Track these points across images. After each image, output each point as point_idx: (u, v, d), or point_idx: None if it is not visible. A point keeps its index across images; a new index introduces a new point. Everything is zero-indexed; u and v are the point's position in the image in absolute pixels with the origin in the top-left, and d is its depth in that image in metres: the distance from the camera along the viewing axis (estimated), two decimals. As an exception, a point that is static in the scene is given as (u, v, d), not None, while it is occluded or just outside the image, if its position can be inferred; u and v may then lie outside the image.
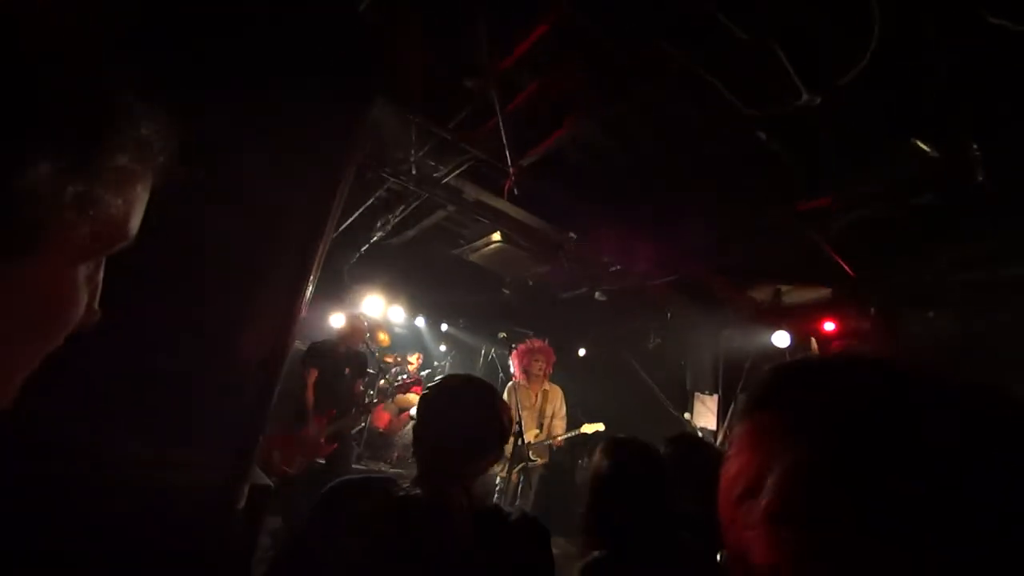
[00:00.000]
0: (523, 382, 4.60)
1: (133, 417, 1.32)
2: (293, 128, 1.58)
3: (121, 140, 0.33)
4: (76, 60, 0.30)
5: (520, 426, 3.83)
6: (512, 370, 4.72)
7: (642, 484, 1.23)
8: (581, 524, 1.26)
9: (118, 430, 1.29)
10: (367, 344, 4.67)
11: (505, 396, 4.50)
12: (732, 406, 5.51)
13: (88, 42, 0.31)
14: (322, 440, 3.66)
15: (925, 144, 2.43)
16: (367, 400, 4.48)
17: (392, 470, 6.02)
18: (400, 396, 5.91)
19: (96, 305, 0.39)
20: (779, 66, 2.11)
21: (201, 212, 1.50)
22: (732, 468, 0.40)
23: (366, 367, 4.38)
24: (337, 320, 4.80)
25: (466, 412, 1.13)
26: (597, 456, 1.29)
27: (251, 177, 1.51)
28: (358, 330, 4.18)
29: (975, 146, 2.40)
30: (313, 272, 1.60)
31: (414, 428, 1.18)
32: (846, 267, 3.54)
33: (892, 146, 2.54)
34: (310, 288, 1.63)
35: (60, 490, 1.16)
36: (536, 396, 4.61)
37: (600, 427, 4.61)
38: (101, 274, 0.39)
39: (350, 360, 4.10)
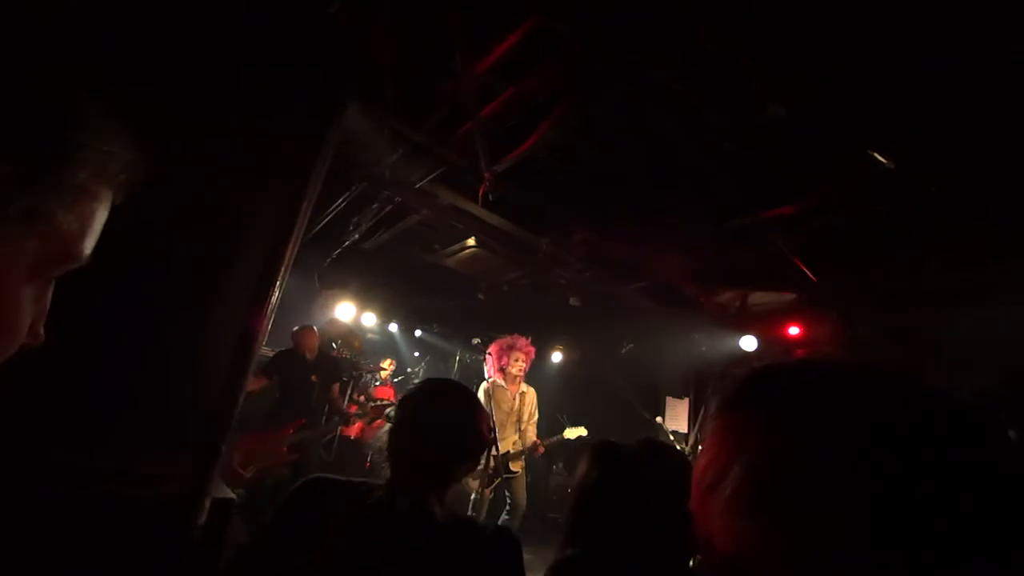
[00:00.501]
0: (500, 381, 4.26)
1: (89, 428, 1.25)
2: (261, 132, 1.54)
3: (81, 156, 0.31)
4: (39, 70, 0.28)
5: (495, 433, 3.75)
6: (488, 368, 4.37)
7: (630, 490, 1.22)
8: (564, 526, 1.25)
9: (72, 442, 1.22)
10: (337, 349, 4.60)
11: (481, 397, 4.19)
12: (703, 410, 5.64)
13: (53, 51, 0.30)
14: (284, 449, 3.58)
15: (881, 155, 2.55)
16: (346, 405, 4.41)
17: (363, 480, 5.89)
18: (372, 405, 5.81)
19: (41, 329, 0.37)
20: (746, 78, 2.19)
21: (162, 217, 1.45)
22: (703, 461, 0.42)
23: (338, 372, 4.30)
24: (340, 322, 4.74)
25: (445, 417, 1.10)
26: (584, 464, 1.27)
27: (216, 182, 1.46)
28: (309, 336, 4.11)
29: (929, 157, 2.53)
30: (279, 279, 1.55)
31: (390, 432, 1.15)
32: (808, 273, 3.67)
33: (851, 156, 2.65)
34: (276, 295, 1.58)
35: (10, 505, 1.09)
36: (514, 398, 4.31)
37: (582, 432, 4.51)
38: (49, 294, 0.37)
39: (317, 367, 4.03)
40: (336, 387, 4.21)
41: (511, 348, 4.30)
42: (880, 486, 0.30)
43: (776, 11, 1.94)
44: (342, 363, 4.50)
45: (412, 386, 1.20)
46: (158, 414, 1.38)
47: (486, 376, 4.36)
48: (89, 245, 0.35)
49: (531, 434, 4.38)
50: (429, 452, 1.07)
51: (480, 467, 3.50)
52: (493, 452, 3.36)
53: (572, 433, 4.52)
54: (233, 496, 1.45)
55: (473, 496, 3.76)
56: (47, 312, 0.37)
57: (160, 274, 1.45)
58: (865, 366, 0.38)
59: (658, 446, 1.44)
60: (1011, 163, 2.48)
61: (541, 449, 4.29)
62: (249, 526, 3.13)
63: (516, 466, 4.17)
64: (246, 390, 3.64)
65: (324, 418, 3.99)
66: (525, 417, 4.37)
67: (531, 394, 4.50)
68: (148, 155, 0.37)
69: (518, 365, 4.28)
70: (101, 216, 0.35)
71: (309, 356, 4.03)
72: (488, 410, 3.68)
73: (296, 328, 4.16)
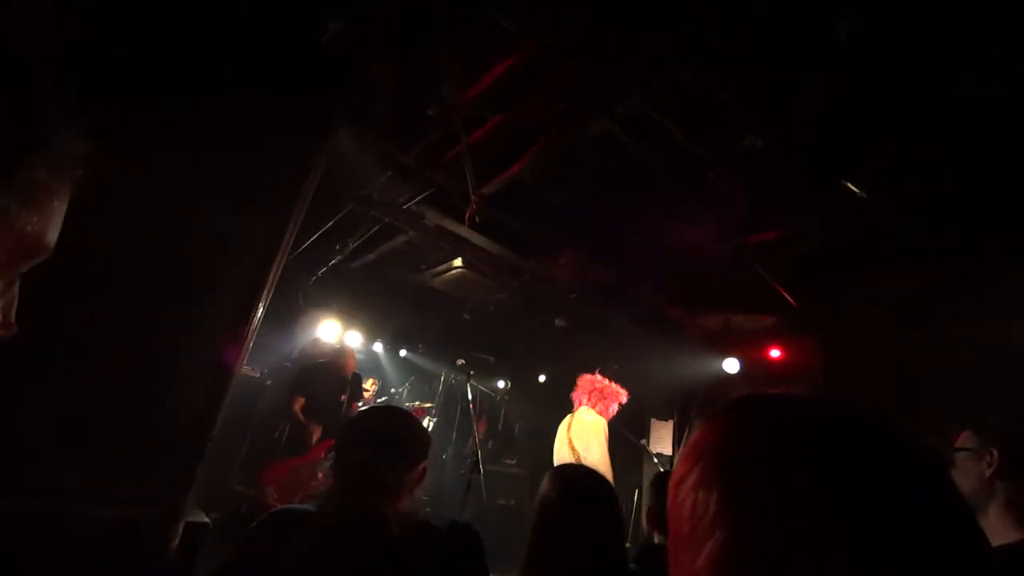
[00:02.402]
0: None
1: (63, 448, 1.22)
2: (250, 152, 1.55)
3: (40, 154, 0.31)
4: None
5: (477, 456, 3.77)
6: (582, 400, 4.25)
7: (586, 510, 1.24)
8: (525, 552, 1.24)
9: (47, 461, 1.18)
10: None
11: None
12: (687, 431, 5.64)
13: (12, 54, 0.31)
14: (320, 475, 3.42)
15: (855, 186, 2.65)
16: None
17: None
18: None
19: (12, 319, 0.37)
20: (727, 108, 2.28)
21: (146, 235, 1.44)
22: (679, 464, 0.46)
23: (361, 390, 4.29)
24: (324, 342, 4.65)
25: (377, 429, 1.18)
26: (544, 484, 1.29)
27: (203, 201, 1.46)
28: (351, 355, 4.11)
29: (901, 188, 2.64)
30: (262, 300, 1.55)
31: (334, 462, 1.18)
32: (788, 297, 3.75)
33: (827, 185, 2.75)
34: (259, 316, 1.57)
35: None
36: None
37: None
38: (16, 287, 0.37)
39: (348, 385, 3.97)
40: (356, 406, 4.11)
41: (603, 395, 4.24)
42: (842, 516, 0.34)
43: (752, 49, 2.03)
44: (361, 380, 4.42)
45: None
46: (134, 435, 1.35)
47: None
48: (52, 239, 0.36)
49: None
50: (364, 467, 1.12)
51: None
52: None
53: None
54: (207, 521, 1.41)
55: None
56: (15, 302, 0.38)
57: (140, 293, 1.43)
58: (825, 402, 0.42)
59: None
60: (985, 191, 2.60)
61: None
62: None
63: None
64: (296, 412, 3.51)
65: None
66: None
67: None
68: (105, 148, 0.37)
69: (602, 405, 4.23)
70: (61, 210, 0.36)
71: (342, 372, 3.95)
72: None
73: (339, 347, 4.16)
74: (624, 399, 4.30)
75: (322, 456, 3.47)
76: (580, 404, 4.21)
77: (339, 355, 4.08)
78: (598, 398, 4.17)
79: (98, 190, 0.38)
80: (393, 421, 1.21)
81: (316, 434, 3.59)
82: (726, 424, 0.44)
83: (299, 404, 3.66)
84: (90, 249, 1.26)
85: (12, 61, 0.30)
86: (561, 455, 3.92)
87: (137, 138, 1.38)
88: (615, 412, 4.20)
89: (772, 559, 0.34)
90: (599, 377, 4.28)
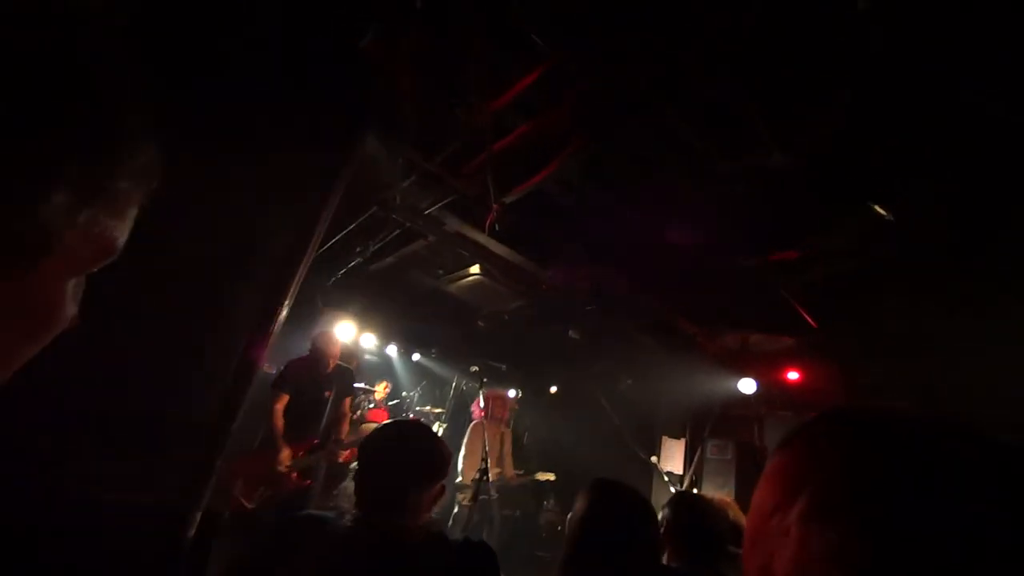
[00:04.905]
0: (487, 423, 5.19)
1: (91, 434, 1.25)
2: (283, 154, 1.59)
3: (129, 166, 0.34)
4: (97, 85, 0.31)
5: (486, 463, 3.77)
6: (478, 409, 5.28)
7: (621, 524, 1.25)
8: (560, 562, 1.26)
9: (74, 445, 1.22)
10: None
11: (470, 432, 5.40)
12: (699, 451, 5.54)
13: (107, 65, 0.33)
14: (293, 474, 3.34)
15: (881, 207, 2.61)
16: (354, 418, 4.16)
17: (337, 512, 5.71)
18: (364, 426, 5.71)
19: (76, 311, 0.39)
20: (754, 124, 2.27)
21: (177, 229, 1.48)
22: (763, 492, 0.42)
23: (352, 385, 3.93)
24: (333, 337, 4.43)
25: (404, 447, 1.18)
26: (580, 499, 1.32)
27: (232, 203, 1.50)
28: (333, 343, 3.74)
29: (929, 211, 2.59)
30: (288, 297, 1.58)
31: (355, 475, 1.18)
32: (808, 318, 3.69)
33: (852, 205, 2.72)
34: (284, 312, 1.60)
35: (10, 505, 1.08)
36: (498, 437, 5.33)
37: (551, 476, 5.63)
38: (84, 283, 0.39)
39: (333, 380, 3.69)
40: (348, 401, 3.83)
41: (501, 399, 5.56)
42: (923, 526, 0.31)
43: (782, 66, 2.03)
44: (354, 376, 4.02)
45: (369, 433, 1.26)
46: (156, 425, 1.38)
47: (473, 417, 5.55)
48: (123, 242, 0.38)
49: (509, 470, 5.44)
50: (393, 479, 1.13)
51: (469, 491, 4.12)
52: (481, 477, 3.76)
53: (542, 476, 5.61)
54: (223, 513, 1.43)
55: (456, 510, 4.83)
56: (80, 298, 0.40)
57: (168, 286, 1.47)
58: (924, 414, 0.39)
59: (688, 501, 1.55)
60: (1016, 213, 2.54)
61: (512, 477, 5.39)
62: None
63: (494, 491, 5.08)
64: (277, 411, 3.43)
65: (325, 437, 3.59)
66: (505, 452, 5.49)
67: (509, 434, 5.64)
68: (170, 160, 0.39)
69: (501, 412, 5.58)
70: (133, 215, 0.38)
71: (330, 365, 3.67)
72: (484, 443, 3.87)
73: (318, 332, 3.79)
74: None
75: (300, 455, 3.40)
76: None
77: (315, 344, 3.71)
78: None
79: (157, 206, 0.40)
80: (417, 439, 1.21)
81: (287, 432, 3.41)
82: (840, 449, 0.39)
83: (282, 403, 3.47)
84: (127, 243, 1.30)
85: (96, 72, 0.32)
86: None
87: (176, 134, 1.42)
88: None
89: None
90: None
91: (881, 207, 2.58)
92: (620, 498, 1.31)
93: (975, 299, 3.17)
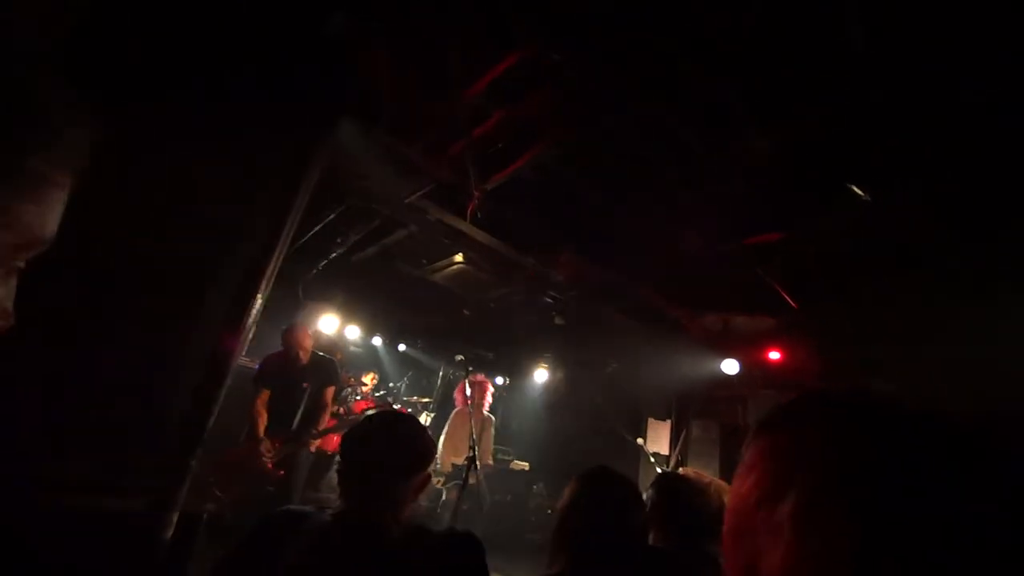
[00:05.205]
0: (469, 410, 5.13)
1: (58, 436, 1.21)
2: (251, 142, 1.54)
3: (42, 146, 0.31)
4: (13, 73, 0.28)
5: (474, 450, 3.78)
6: (461, 396, 5.22)
7: (609, 508, 1.26)
8: (550, 544, 1.28)
9: (42, 450, 1.18)
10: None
11: (452, 419, 5.42)
12: (684, 432, 5.64)
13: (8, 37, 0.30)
14: (269, 465, 3.36)
15: (859, 189, 2.64)
16: (337, 411, 4.12)
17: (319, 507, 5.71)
18: (352, 418, 5.69)
19: (10, 309, 0.37)
20: (735, 110, 2.26)
21: (145, 223, 1.43)
22: (748, 482, 0.41)
23: (333, 376, 3.86)
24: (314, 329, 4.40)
25: (387, 436, 1.17)
26: (571, 483, 1.33)
27: (202, 191, 1.45)
28: (303, 335, 3.69)
29: (905, 191, 2.63)
30: (261, 290, 1.54)
31: (338, 466, 1.17)
32: (788, 299, 3.74)
33: (832, 189, 2.74)
34: (257, 306, 1.56)
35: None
36: (479, 423, 5.27)
37: (526, 466, 5.88)
38: (14, 279, 0.37)
39: (308, 372, 3.67)
40: (330, 391, 3.77)
41: (480, 384, 5.36)
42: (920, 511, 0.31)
43: (765, 59, 2.02)
44: (336, 366, 3.95)
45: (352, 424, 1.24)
46: (128, 424, 1.34)
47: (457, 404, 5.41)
48: (51, 230, 0.36)
49: (487, 456, 5.41)
50: (378, 469, 1.12)
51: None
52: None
53: (517, 465, 5.83)
54: (203, 513, 1.40)
55: (443, 497, 4.76)
56: (13, 294, 0.37)
57: (139, 282, 1.42)
58: (901, 398, 0.39)
59: (672, 482, 1.56)
60: (991, 195, 2.58)
61: (488, 462, 5.33)
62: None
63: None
64: (257, 405, 3.41)
65: (301, 427, 3.56)
66: (484, 439, 5.49)
67: (489, 420, 5.52)
68: (107, 141, 0.37)
69: (480, 397, 5.41)
70: (60, 201, 0.36)
71: (303, 357, 3.64)
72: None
73: (287, 327, 3.73)
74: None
75: (277, 447, 3.43)
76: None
77: (284, 338, 3.65)
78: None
79: (99, 182, 0.37)
80: (400, 429, 1.20)
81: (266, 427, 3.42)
82: (831, 433, 0.38)
83: (263, 399, 3.48)
84: (89, 240, 1.25)
85: (14, 57, 0.30)
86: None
87: (138, 129, 1.37)
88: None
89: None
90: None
91: (857, 187, 2.60)
92: (608, 485, 1.32)
93: (955, 280, 3.24)
